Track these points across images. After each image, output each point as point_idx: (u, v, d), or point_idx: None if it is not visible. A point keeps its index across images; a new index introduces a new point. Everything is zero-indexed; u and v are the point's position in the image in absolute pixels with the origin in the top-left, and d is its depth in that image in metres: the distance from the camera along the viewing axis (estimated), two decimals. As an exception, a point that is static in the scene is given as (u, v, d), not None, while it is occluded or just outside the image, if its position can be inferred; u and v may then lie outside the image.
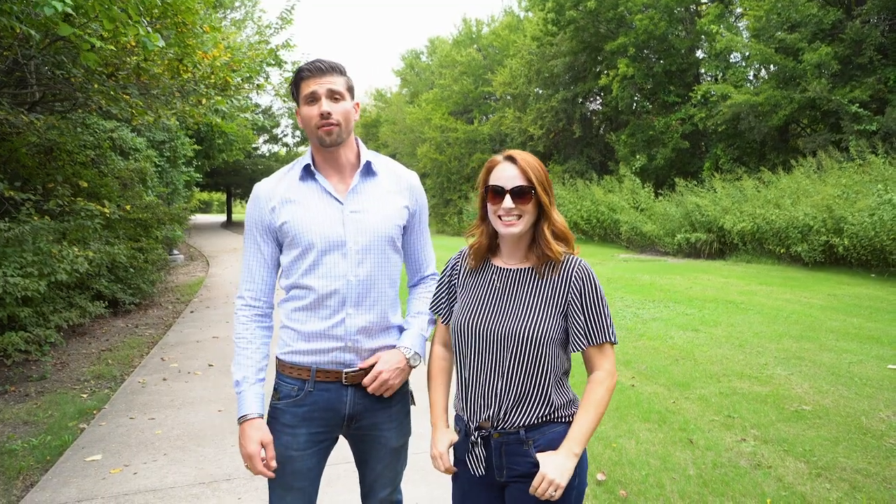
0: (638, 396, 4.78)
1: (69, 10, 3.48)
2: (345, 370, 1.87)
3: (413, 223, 2.01)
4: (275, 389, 1.93)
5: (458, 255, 1.92)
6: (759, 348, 6.15)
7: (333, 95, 1.82)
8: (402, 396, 2.00)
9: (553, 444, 1.66)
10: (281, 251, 1.94)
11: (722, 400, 4.68)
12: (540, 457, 1.64)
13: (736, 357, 5.86)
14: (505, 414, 1.69)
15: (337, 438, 1.98)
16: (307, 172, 1.90)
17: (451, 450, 1.84)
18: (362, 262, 1.86)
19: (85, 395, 5.07)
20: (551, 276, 1.71)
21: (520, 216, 1.69)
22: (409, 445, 2.10)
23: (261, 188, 1.93)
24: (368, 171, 1.93)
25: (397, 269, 1.97)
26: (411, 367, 1.93)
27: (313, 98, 1.81)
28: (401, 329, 2.00)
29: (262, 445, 1.79)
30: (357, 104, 1.92)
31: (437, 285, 1.96)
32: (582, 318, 1.67)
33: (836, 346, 6.19)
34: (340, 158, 1.90)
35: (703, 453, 3.74)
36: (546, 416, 1.68)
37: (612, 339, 1.69)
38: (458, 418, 1.85)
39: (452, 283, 1.90)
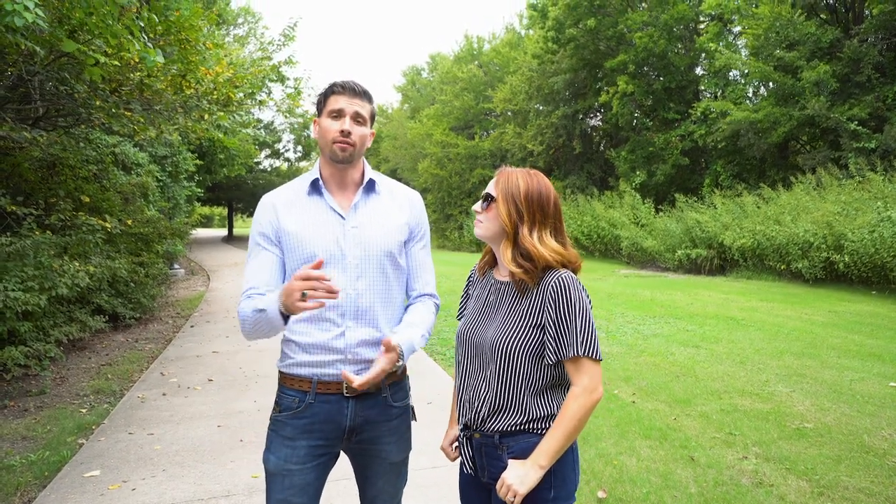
0: (639, 413, 4.76)
1: (41, 23, 3.48)
2: (345, 383, 1.87)
3: (412, 241, 2.03)
4: (276, 402, 1.94)
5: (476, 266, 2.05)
6: (760, 365, 6.13)
7: (358, 118, 1.90)
8: (404, 411, 2.00)
9: (525, 454, 1.70)
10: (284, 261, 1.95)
11: (723, 417, 4.66)
12: (510, 462, 1.70)
13: (737, 374, 5.84)
14: (483, 418, 1.76)
15: (338, 454, 1.98)
16: (314, 187, 1.96)
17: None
18: (361, 276, 1.89)
19: (84, 411, 5.05)
20: (531, 289, 1.75)
21: (482, 221, 1.82)
22: (408, 462, 2.08)
23: (269, 197, 1.99)
24: (371, 188, 1.99)
25: (399, 284, 1.98)
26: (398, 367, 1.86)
27: (339, 114, 1.88)
28: None
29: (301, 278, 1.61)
30: (372, 133, 1.99)
31: (462, 292, 2.08)
32: (553, 331, 1.68)
33: (837, 363, 6.17)
34: (347, 177, 1.96)
35: (705, 471, 3.72)
36: (522, 426, 1.73)
37: (588, 354, 1.64)
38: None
39: (468, 291, 2.03)
